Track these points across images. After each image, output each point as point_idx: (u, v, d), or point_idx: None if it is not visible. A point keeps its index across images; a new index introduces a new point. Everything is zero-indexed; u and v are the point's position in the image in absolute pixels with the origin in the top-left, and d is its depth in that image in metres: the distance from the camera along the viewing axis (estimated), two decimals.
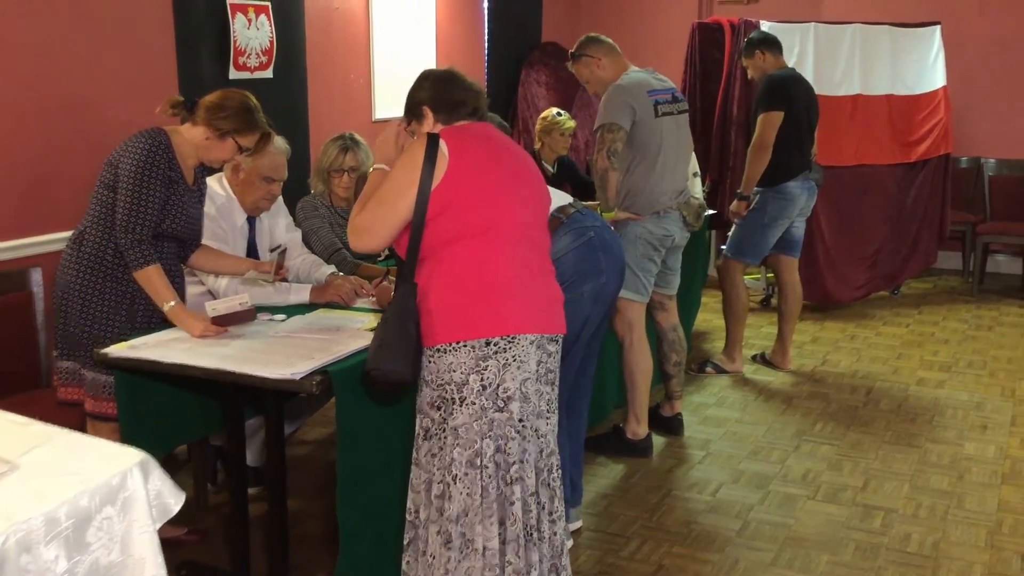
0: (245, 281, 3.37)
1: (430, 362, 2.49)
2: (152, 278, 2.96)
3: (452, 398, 2.46)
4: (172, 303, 2.97)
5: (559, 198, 3.21)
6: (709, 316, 6.13)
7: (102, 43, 3.95)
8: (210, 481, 3.73)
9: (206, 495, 3.66)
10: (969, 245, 7.32)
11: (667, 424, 4.40)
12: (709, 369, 5.25)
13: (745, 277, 5.35)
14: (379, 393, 2.62)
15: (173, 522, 2.19)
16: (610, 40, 4.10)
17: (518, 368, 2.47)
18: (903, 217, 6.76)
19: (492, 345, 2.45)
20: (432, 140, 2.52)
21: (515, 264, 2.54)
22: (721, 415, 4.66)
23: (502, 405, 2.46)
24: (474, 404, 2.45)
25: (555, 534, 2.58)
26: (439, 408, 2.48)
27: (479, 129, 2.65)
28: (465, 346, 2.45)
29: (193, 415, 3.26)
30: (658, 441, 4.28)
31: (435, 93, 2.67)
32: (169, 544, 2.39)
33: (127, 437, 2.85)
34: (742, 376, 5.22)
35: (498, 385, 2.46)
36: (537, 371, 2.53)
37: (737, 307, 5.19)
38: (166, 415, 3.13)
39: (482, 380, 2.45)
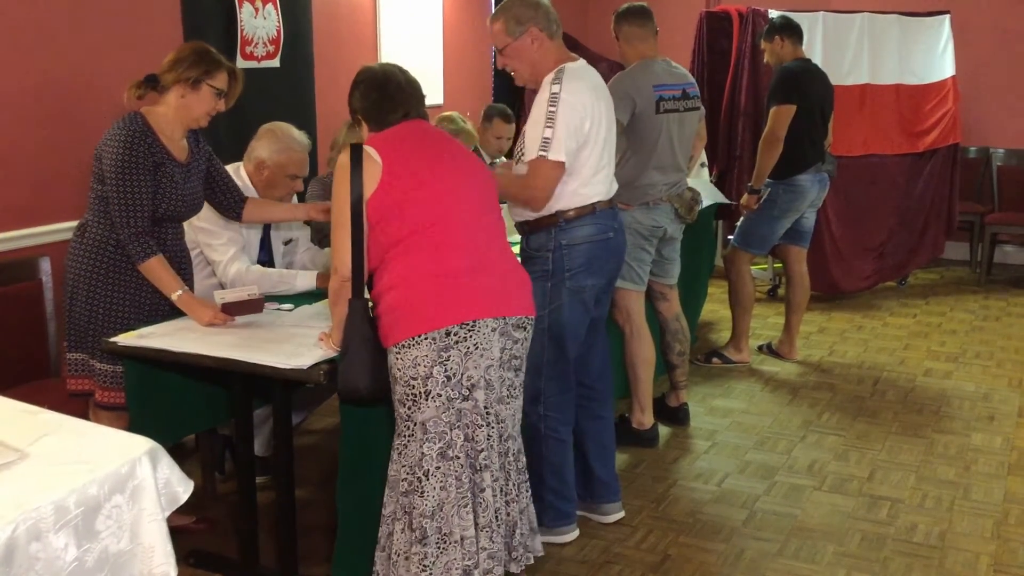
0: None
1: (397, 359, 2.51)
2: (156, 269, 2.96)
3: (418, 392, 2.48)
4: (179, 292, 2.97)
5: (611, 185, 3.22)
6: (715, 306, 6.12)
7: (110, 32, 3.95)
8: (218, 470, 3.74)
9: (214, 484, 3.67)
10: (977, 235, 7.29)
11: (673, 414, 4.41)
12: (715, 360, 5.25)
13: (752, 267, 5.34)
14: (355, 404, 2.65)
15: (181, 511, 2.21)
16: (641, 21, 4.03)
17: (480, 356, 2.51)
18: (911, 207, 6.74)
19: (452, 335, 2.48)
20: (355, 150, 2.54)
21: (470, 251, 2.56)
22: (727, 405, 4.66)
23: (467, 394, 2.51)
24: (440, 396, 2.48)
25: (508, 515, 2.63)
26: (405, 404, 2.51)
27: (410, 128, 2.66)
28: (426, 339, 2.46)
29: (201, 405, 3.27)
30: (664, 431, 4.29)
31: (365, 103, 2.69)
32: (177, 532, 2.41)
33: (136, 426, 2.86)
34: (748, 367, 5.22)
35: (462, 374, 2.49)
36: (500, 357, 2.57)
37: (743, 298, 5.17)
38: (174, 404, 3.15)
39: (446, 371, 2.48)
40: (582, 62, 3.17)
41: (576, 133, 3.01)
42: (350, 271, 2.54)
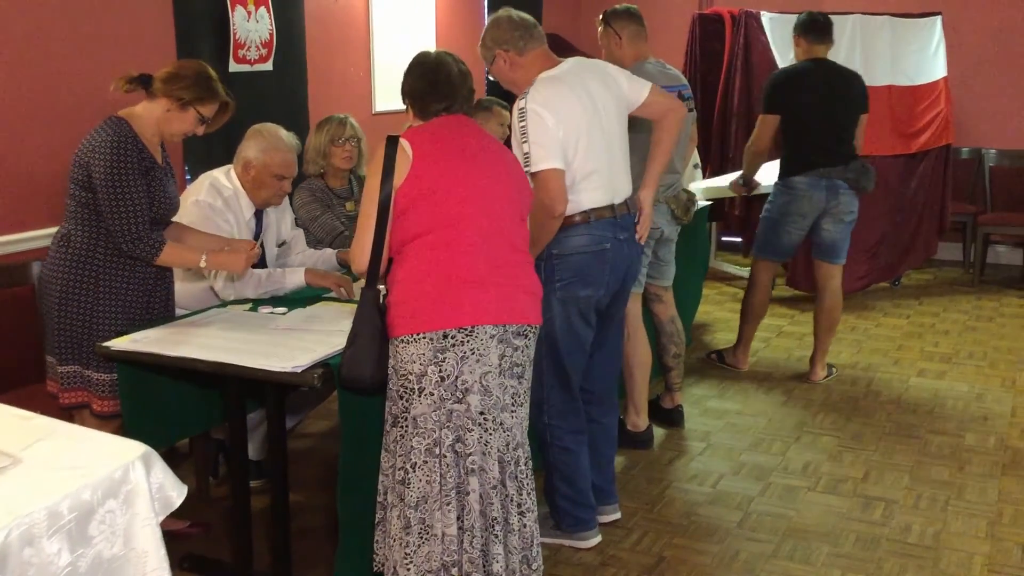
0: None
1: (395, 352, 2.56)
2: (173, 255, 2.98)
3: (412, 388, 2.52)
4: (204, 257, 2.99)
5: (624, 191, 3.20)
6: (710, 308, 6.13)
7: (102, 36, 3.94)
8: (212, 474, 3.74)
9: (208, 488, 3.67)
10: (970, 236, 7.31)
11: (667, 416, 4.41)
12: (712, 356, 5.23)
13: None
14: (357, 392, 2.66)
15: (175, 515, 2.20)
16: (640, 21, 4.05)
17: (477, 361, 2.52)
18: (904, 208, 6.74)
19: (449, 338, 2.50)
20: (391, 142, 2.59)
21: (480, 258, 2.57)
22: (722, 407, 4.66)
23: (460, 397, 2.52)
24: (432, 395, 2.51)
25: (524, 526, 2.62)
26: (402, 397, 2.55)
27: (448, 124, 2.68)
28: (424, 338, 2.50)
29: (195, 408, 3.27)
30: (658, 433, 4.29)
31: (416, 88, 2.73)
32: (172, 537, 2.41)
33: (129, 430, 2.85)
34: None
35: (456, 377, 2.52)
36: (500, 365, 2.56)
37: (747, 307, 5.07)
38: (168, 409, 3.14)
39: (440, 372, 2.51)
40: (563, 65, 3.13)
41: (551, 141, 2.96)
42: (366, 266, 2.59)
